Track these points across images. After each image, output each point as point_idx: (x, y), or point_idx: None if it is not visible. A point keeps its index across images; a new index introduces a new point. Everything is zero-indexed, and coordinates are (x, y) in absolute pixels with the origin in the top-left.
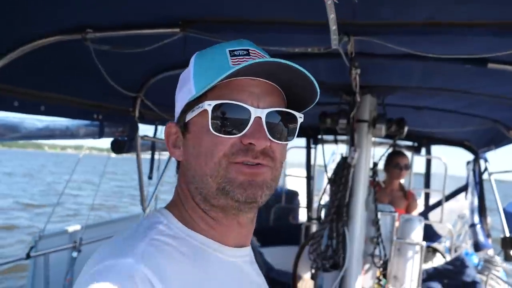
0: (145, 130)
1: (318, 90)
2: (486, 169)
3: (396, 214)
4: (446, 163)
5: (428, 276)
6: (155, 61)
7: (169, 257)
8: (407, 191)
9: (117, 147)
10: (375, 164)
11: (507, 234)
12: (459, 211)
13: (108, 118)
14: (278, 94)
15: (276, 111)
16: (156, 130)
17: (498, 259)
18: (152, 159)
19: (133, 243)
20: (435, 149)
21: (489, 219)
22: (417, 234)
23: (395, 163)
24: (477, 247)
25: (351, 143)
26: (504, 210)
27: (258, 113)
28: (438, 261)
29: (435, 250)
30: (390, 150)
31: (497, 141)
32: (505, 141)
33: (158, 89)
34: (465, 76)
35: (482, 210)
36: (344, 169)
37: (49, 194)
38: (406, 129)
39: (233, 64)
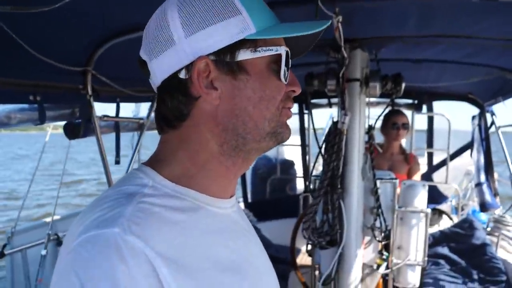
0: (103, 109)
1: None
2: (493, 123)
3: (397, 181)
4: (450, 119)
5: (435, 240)
6: (99, 26)
7: (161, 220)
8: (409, 154)
9: (70, 131)
10: (371, 127)
11: None
12: (465, 168)
13: (50, 99)
14: None
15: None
16: (118, 108)
17: (509, 218)
18: (118, 141)
19: (117, 211)
20: (438, 105)
21: (496, 175)
22: (420, 200)
23: (392, 122)
24: (484, 207)
25: (342, 106)
26: None
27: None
28: (445, 223)
29: (441, 212)
30: (387, 110)
31: (505, 92)
32: None
33: (113, 59)
34: (468, 18)
35: (488, 167)
36: (336, 136)
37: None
38: (403, 85)
39: (271, 10)
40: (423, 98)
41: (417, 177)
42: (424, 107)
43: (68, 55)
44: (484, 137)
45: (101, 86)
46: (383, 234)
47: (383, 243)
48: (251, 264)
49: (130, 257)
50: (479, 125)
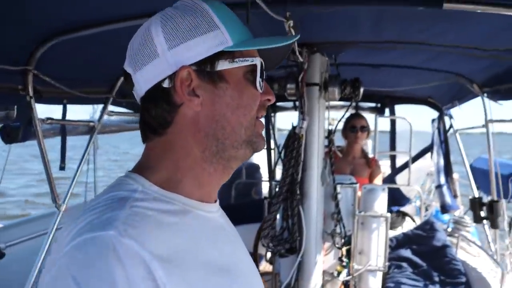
0: (48, 112)
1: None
2: (451, 126)
3: (357, 186)
4: (411, 122)
5: (398, 243)
6: (42, 22)
7: (155, 223)
8: (370, 157)
9: (7, 136)
10: (330, 132)
11: (476, 194)
12: (428, 169)
13: None
14: None
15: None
16: (65, 110)
17: (468, 219)
18: (63, 145)
19: (111, 215)
20: (401, 108)
21: (456, 175)
22: (380, 204)
23: (351, 125)
24: (444, 209)
25: (300, 110)
26: (471, 166)
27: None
28: (408, 225)
29: (404, 215)
30: (348, 114)
31: (461, 96)
32: (469, 96)
33: (58, 59)
34: (420, 24)
35: (448, 169)
36: (294, 141)
37: None
38: (362, 90)
39: (244, 24)
40: (385, 101)
41: (378, 180)
42: (387, 111)
43: (7, 53)
44: (443, 139)
45: (46, 87)
46: (343, 241)
47: (343, 249)
48: (239, 267)
49: (127, 260)
50: (438, 128)
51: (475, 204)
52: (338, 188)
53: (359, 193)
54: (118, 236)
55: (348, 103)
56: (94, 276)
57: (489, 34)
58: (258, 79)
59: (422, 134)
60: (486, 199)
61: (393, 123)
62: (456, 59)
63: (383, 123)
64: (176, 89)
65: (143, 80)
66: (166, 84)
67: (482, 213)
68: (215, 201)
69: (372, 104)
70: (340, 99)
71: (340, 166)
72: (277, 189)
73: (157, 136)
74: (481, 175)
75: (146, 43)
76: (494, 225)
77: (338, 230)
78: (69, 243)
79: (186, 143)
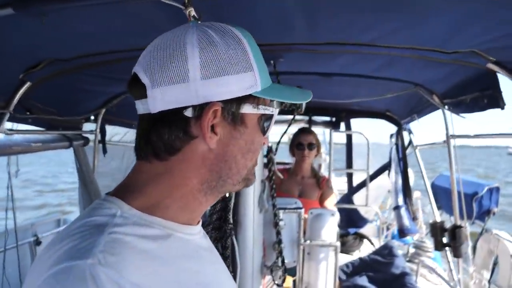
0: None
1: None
2: (410, 142)
3: (302, 211)
4: (369, 138)
5: (354, 269)
6: None
7: (133, 250)
8: (321, 177)
9: None
10: (270, 150)
11: (437, 217)
12: (389, 186)
13: None
14: None
15: None
16: None
17: (429, 243)
18: None
19: (89, 242)
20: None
21: (418, 193)
22: (329, 232)
23: (297, 142)
24: (402, 232)
25: None
26: (432, 184)
27: None
28: (366, 249)
29: (362, 237)
30: (293, 130)
31: (420, 109)
32: (429, 108)
33: None
34: (363, 22)
35: (406, 189)
36: None
37: None
38: (304, 102)
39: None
40: (341, 115)
41: (330, 203)
42: (343, 125)
43: None
44: (401, 157)
45: None
46: (281, 278)
47: (290, 281)
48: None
49: (103, 286)
50: (397, 144)
51: (436, 230)
52: (281, 213)
53: (305, 216)
54: (97, 265)
55: (302, 117)
56: None
57: (449, 31)
58: (271, 128)
59: (383, 147)
60: (449, 219)
61: (349, 138)
62: (412, 65)
63: (340, 137)
64: (202, 123)
65: (162, 100)
66: (188, 113)
67: (444, 239)
68: (198, 223)
69: (327, 118)
70: (282, 112)
71: (288, 187)
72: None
73: (157, 160)
74: (443, 194)
75: (177, 60)
76: (457, 253)
77: (280, 263)
78: (47, 271)
79: (187, 174)
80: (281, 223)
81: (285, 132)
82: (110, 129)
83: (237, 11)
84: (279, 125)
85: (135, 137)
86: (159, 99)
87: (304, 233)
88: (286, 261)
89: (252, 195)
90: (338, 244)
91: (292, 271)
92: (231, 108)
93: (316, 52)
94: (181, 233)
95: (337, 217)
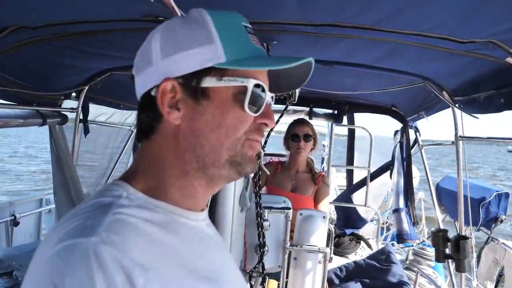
0: None
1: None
2: (416, 140)
3: (290, 212)
4: (372, 134)
5: (348, 274)
6: None
7: (137, 230)
8: (317, 172)
9: None
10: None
11: (440, 223)
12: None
13: None
14: None
15: None
16: None
17: (430, 250)
18: None
19: (93, 221)
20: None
21: (422, 194)
22: (319, 236)
23: (293, 133)
24: (401, 238)
25: None
26: (437, 186)
27: (269, 96)
28: (362, 252)
29: (359, 238)
30: (288, 121)
31: (428, 106)
32: (438, 106)
33: None
34: (358, 2)
35: (409, 192)
36: None
37: None
38: (298, 91)
39: (254, 43)
40: (343, 108)
41: (324, 203)
42: (345, 119)
43: None
44: (405, 157)
45: None
46: (260, 286)
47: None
48: (227, 276)
49: (108, 267)
50: (401, 142)
51: (438, 239)
52: (266, 213)
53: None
54: (100, 243)
55: (302, 108)
56: (74, 283)
57: (463, 17)
58: (248, 100)
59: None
60: (453, 224)
61: (351, 133)
62: (420, 56)
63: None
64: (157, 100)
65: (139, 85)
66: (153, 93)
67: (448, 249)
68: (202, 210)
69: (329, 111)
70: (276, 102)
71: (281, 181)
72: None
73: (146, 140)
74: (448, 197)
75: (146, 49)
76: (459, 267)
77: (260, 268)
78: (51, 249)
79: (168, 154)
80: (265, 223)
81: (276, 122)
82: (95, 108)
83: None
84: (291, 116)
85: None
86: (138, 85)
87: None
88: (269, 266)
89: (232, 191)
90: (328, 250)
91: (278, 276)
92: (191, 82)
93: (312, 34)
94: (185, 218)
95: (327, 220)
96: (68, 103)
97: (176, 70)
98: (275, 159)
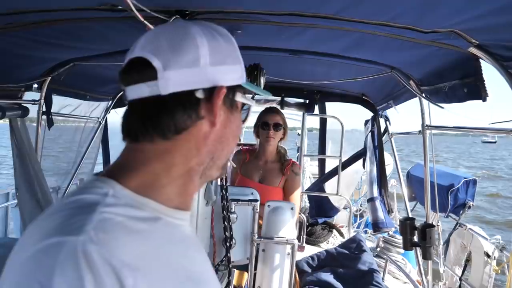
0: None
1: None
2: (386, 129)
3: (257, 204)
4: (343, 123)
5: (319, 262)
6: None
7: (125, 230)
8: (286, 160)
9: None
10: None
11: (409, 213)
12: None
13: None
14: None
15: None
16: None
17: (398, 237)
18: None
19: (80, 218)
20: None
21: (394, 182)
22: (287, 228)
23: (262, 121)
24: (376, 226)
25: None
26: (408, 174)
27: None
28: (335, 240)
29: (331, 227)
30: (258, 111)
31: (396, 95)
32: (406, 95)
33: None
34: None
35: (382, 180)
36: None
37: None
38: (262, 80)
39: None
40: (315, 97)
41: (294, 192)
42: (317, 108)
43: None
44: (377, 145)
45: None
46: (227, 279)
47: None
48: (208, 277)
49: (97, 267)
50: (372, 132)
51: (405, 227)
52: (233, 206)
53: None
54: (88, 242)
55: (273, 98)
56: (63, 282)
57: (425, 6)
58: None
59: (358, 133)
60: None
61: (323, 122)
62: (385, 45)
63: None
64: (214, 103)
65: (174, 82)
66: (199, 95)
67: (415, 238)
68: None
69: (301, 100)
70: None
71: (249, 171)
72: None
73: (162, 139)
74: (418, 185)
75: (188, 48)
76: (426, 255)
77: (226, 262)
78: (34, 246)
79: (188, 153)
80: (232, 216)
81: (247, 116)
82: (59, 100)
83: None
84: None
85: (130, 120)
86: (172, 81)
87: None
88: (238, 258)
89: None
90: (296, 242)
91: (247, 268)
92: (229, 94)
93: (276, 24)
94: (171, 217)
95: (296, 211)
96: (30, 95)
97: (224, 80)
98: (245, 147)
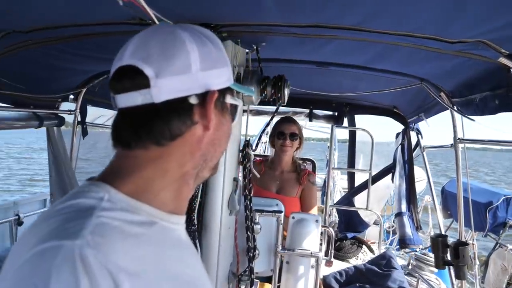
0: None
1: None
2: (418, 143)
3: (282, 215)
4: (373, 136)
5: (347, 278)
6: None
7: (121, 234)
8: (303, 170)
9: None
10: (247, 144)
11: (442, 230)
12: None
13: None
14: None
15: None
16: None
17: (432, 257)
18: None
19: (76, 223)
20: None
21: (427, 198)
22: (311, 240)
23: (278, 131)
24: (403, 243)
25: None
26: (443, 190)
27: None
28: (364, 256)
29: (360, 242)
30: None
31: (427, 108)
32: (437, 108)
33: None
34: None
35: (411, 195)
36: None
37: None
38: (286, 92)
39: None
40: (344, 110)
41: (311, 203)
42: (346, 121)
43: None
44: (406, 159)
45: None
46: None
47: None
48: (202, 281)
49: (93, 271)
50: (402, 145)
51: (437, 245)
52: (257, 216)
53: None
54: (85, 246)
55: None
56: (59, 286)
57: (450, 15)
58: (236, 116)
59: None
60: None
61: (352, 135)
62: (411, 56)
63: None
64: (208, 108)
65: (167, 89)
66: (193, 101)
67: (448, 256)
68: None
69: (330, 113)
70: (262, 103)
71: (265, 182)
72: None
73: (156, 146)
74: (454, 201)
75: (179, 54)
76: (459, 274)
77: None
78: (30, 250)
79: (182, 158)
80: (256, 227)
81: (267, 125)
82: (93, 111)
83: None
84: (265, 116)
85: (121, 128)
86: (165, 88)
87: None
88: (262, 269)
89: (220, 194)
90: (321, 255)
91: (271, 279)
92: (220, 97)
93: (298, 36)
94: (166, 221)
95: (320, 223)
96: (66, 106)
97: (215, 84)
98: (257, 158)
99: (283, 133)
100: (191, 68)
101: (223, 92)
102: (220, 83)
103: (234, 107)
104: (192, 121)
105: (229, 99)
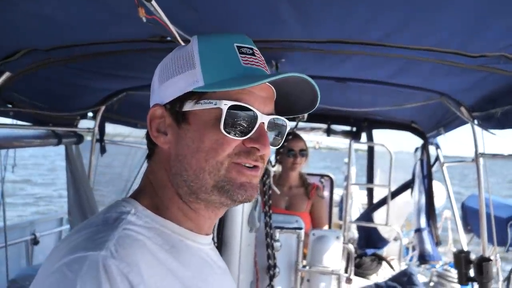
0: None
1: (318, 101)
2: (437, 158)
3: (302, 231)
4: (392, 151)
5: None
6: None
7: (144, 248)
8: (310, 184)
9: None
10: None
11: (464, 245)
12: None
13: None
14: (273, 99)
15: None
16: None
17: (453, 272)
18: None
19: (103, 235)
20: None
21: (448, 213)
22: (332, 257)
23: (288, 148)
24: (423, 259)
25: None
26: (463, 205)
27: (264, 119)
28: (384, 273)
29: (380, 259)
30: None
31: (447, 122)
32: (456, 122)
33: None
34: (362, 16)
35: (430, 210)
36: None
37: None
38: None
39: (245, 64)
40: (362, 125)
41: (322, 215)
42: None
43: None
44: (426, 174)
45: None
46: None
47: None
48: None
49: (115, 280)
50: (421, 160)
51: (460, 261)
52: (277, 233)
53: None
54: (109, 257)
55: (319, 125)
56: None
57: (471, 30)
58: (223, 122)
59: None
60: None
61: (370, 150)
62: (433, 71)
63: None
64: (147, 125)
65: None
66: None
67: (471, 272)
68: (207, 234)
69: (347, 128)
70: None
71: (273, 199)
72: None
73: (149, 161)
74: (474, 216)
75: (154, 77)
76: None
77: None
78: (60, 260)
79: (162, 176)
80: (276, 244)
81: (285, 141)
82: (112, 128)
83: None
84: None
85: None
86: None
87: (305, 256)
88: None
89: (240, 211)
90: (342, 272)
91: None
92: (176, 107)
93: (318, 51)
94: (190, 240)
95: (341, 240)
96: (84, 123)
97: (166, 96)
98: None
99: (292, 150)
100: (154, 87)
101: (180, 100)
102: (172, 93)
103: (217, 113)
104: (154, 137)
105: (189, 106)
